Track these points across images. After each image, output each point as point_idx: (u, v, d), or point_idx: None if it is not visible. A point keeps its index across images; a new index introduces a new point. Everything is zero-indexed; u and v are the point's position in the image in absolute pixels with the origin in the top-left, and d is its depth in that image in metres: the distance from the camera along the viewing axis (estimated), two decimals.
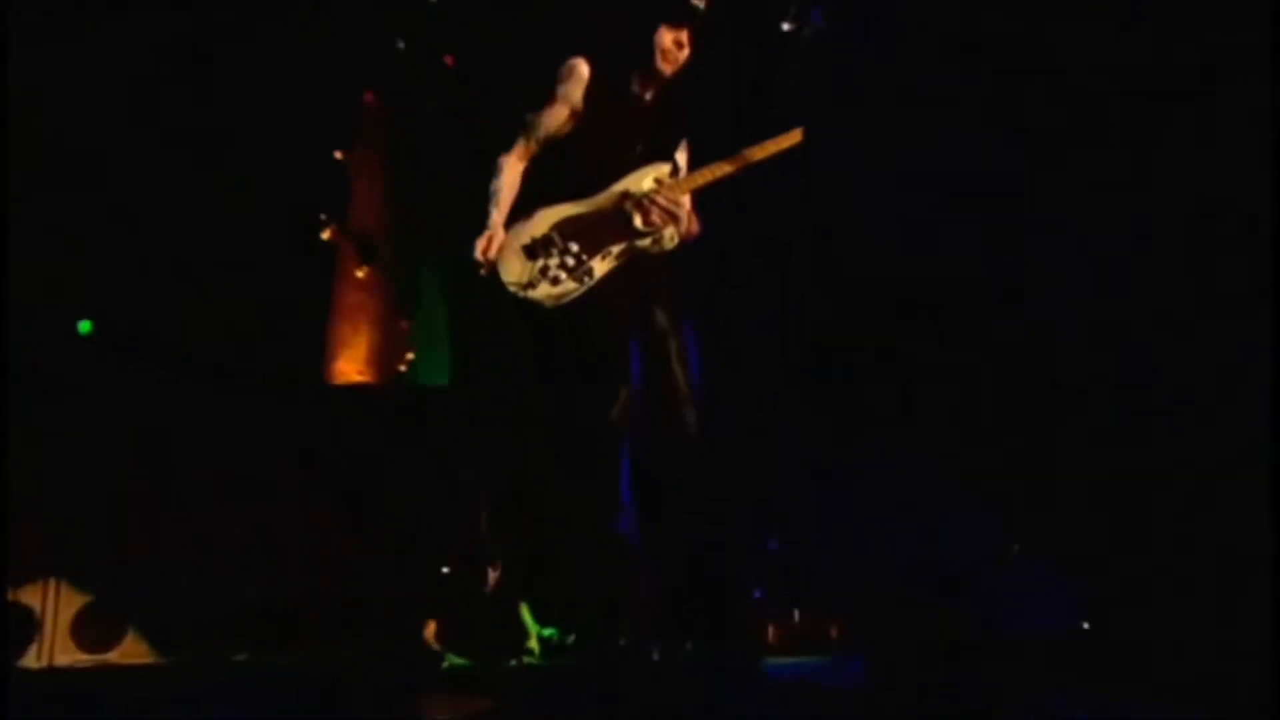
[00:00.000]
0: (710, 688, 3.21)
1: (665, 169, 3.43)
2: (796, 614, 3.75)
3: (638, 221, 3.36)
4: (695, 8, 3.38)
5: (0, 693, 3.12)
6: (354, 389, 4.74)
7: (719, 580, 3.60)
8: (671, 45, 3.41)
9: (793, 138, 3.42)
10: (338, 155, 4.87)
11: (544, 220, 3.38)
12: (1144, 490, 3.65)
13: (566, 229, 3.35)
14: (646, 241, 3.38)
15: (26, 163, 3.97)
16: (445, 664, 3.59)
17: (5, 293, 3.61)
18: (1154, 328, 3.74)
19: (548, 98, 3.47)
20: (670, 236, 3.39)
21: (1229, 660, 3.17)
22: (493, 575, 3.77)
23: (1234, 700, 2.97)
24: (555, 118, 3.45)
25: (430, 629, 3.69)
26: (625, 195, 3.39)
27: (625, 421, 3.40)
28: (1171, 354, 3.70)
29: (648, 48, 3.41)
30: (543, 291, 3.33)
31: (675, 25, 3.40)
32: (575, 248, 3.34)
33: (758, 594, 3.76)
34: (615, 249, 3.36)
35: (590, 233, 3.35)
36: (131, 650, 3.90)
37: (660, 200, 3.35)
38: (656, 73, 3.44)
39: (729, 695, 3.13)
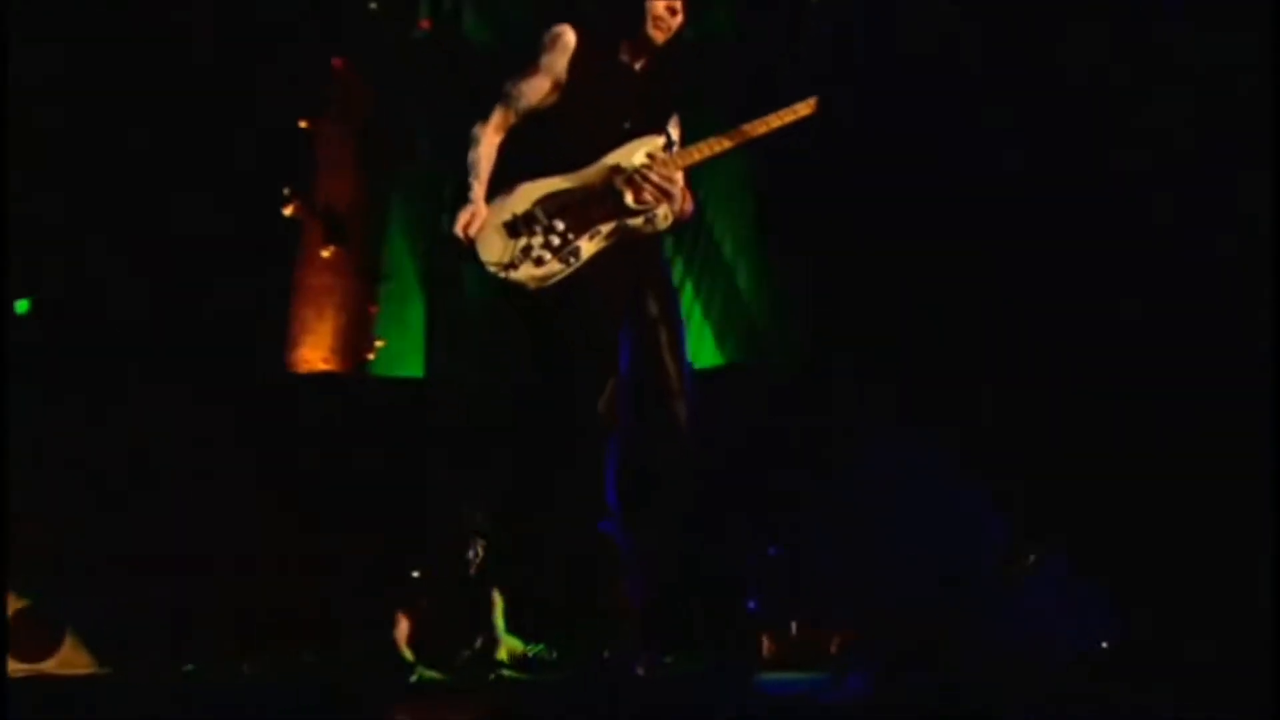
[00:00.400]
0: (699, 703, 3.04)
1: (659, 142, 3.24)
2: (794, 625, 3.58)
3: (629, 199, 3.17)
4: None
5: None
6: (323, 379, 4.48)
7: (712, 584, 3.43)
8: (664, 11, 3.21)
9: (804, 109, 3.23)
10: (302, 124, 4.57)
11: (526, 195, 3.18)
12: (1144, 490, 3.60)
13: (551, 205, 3.16)
14: (639, 220, 3.19)
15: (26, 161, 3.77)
16: (415, 677, 3.38)
17: (5, 292, 3.35)
18: (1154, 325, 3.69)
19: (529, 66, 3.25)
20: (665, 216, 3.20)
21: (1229, 660, 3.13)
22: (477, 554, 3.57)
23: (1234, 700, 2.91)
24: (537, 89, 3.24)
25: (402, 630, 3.45)
26: (616, 170, 3.20)
27: (612, 415, 3.20)
28: (1171, 353, 3.66)
29: (639, 14, 3.20)
30: (525, 273, 3.12)
31: None
32: (561, 226, 3.14)
33: (751, 605, 3.58)
34: (605, 228, 3.17)
35: (577, 210, 3.16)
36: (70, 659, 3.59)
37: (654, 176, 3.17)
38: (647, 41, 3.24)
39: (719, 710, 2.97)
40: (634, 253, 3.24)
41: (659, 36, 3.23)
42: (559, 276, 3.13)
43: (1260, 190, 3.54)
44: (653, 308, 3.25)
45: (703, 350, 4.51)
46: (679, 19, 3.23)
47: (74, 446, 3.85)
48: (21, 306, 3.99)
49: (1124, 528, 3.58)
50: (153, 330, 4.13)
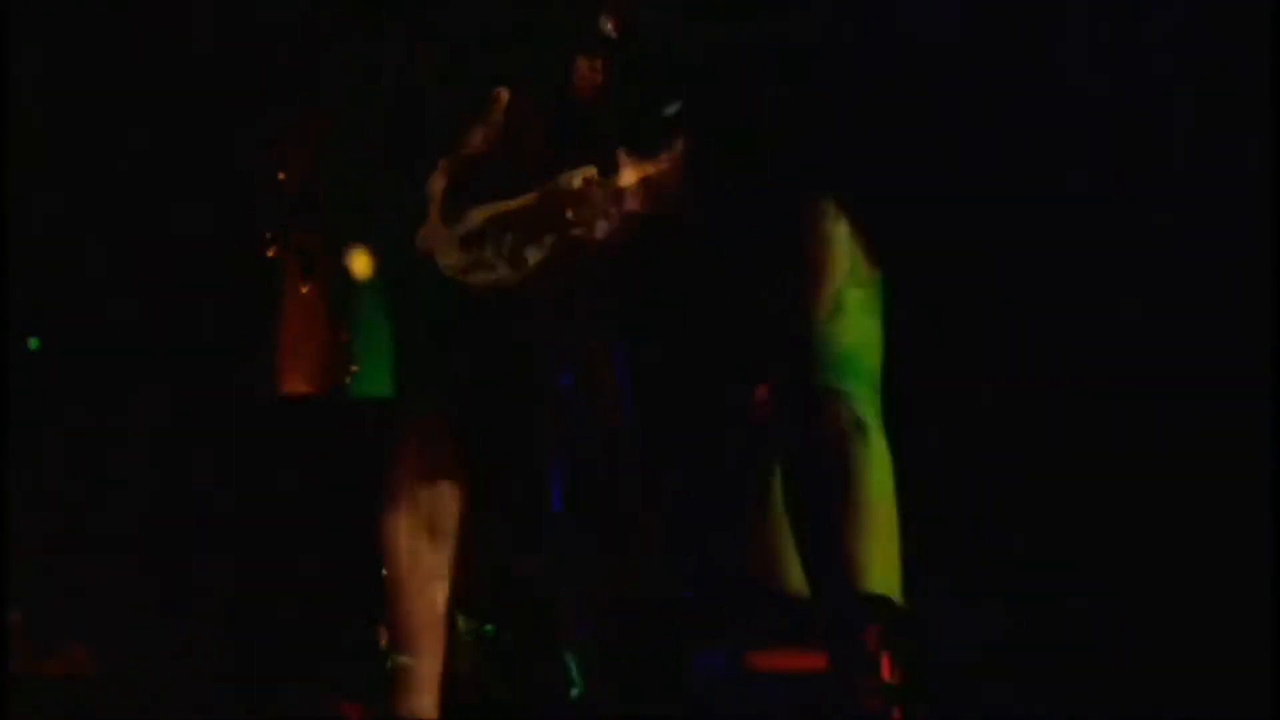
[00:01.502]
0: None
1: (593, 171, 3.50)
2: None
3: (569, 215, 3.46)
4: (608, 37, 3.47)
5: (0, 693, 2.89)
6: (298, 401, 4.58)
7: (656, 605, 3.54)
8: (587, 71, 3.50)
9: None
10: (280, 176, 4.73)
11: (475, 217, 3.46)
12: (1142, 490, 3.58)
13: (499, 222, 3.46)
14: (580, 231, 3.46)
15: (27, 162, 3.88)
16: (390, 664, 3.44)
17: (5, 293, 3.43)
18: (1154, 322, 3.68)
19: (463, 124, 3.52)
20: (602, 227, 3.47)
21: (1229, 660, 3.17)
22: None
23: (1234, 700, 2.97)
24: (471, 144, 3.51)
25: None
26: (556, 191, 3.47)
27: (556, 431, 3.41)
28: (1171, 353, 3.64)
29: (564, 75, 3.51)
30: (478, 278, 3.43)
31: (589, 56, 3.49)
32: (509, 237, 3.45)
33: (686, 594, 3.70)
34: (548, 239, 3.46)
35: (522, 226, 3.46)
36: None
37: (591, 195, 3.44)
38: (575, 97, 3.52)
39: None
40: (580, 290, 3.47)
41: (584, 94, 3.50)
42: (508, 280, 3.42)
43: (1260, 190, 3.54)
44: (594, 350, 3.47)
45: None
46: (601, 79, 3.50)
47: (74, 446, 3.88)
48: (33, 344, 4.07)
49: (1123, 528, 3.58)
50: (152, 331, 4.18)
